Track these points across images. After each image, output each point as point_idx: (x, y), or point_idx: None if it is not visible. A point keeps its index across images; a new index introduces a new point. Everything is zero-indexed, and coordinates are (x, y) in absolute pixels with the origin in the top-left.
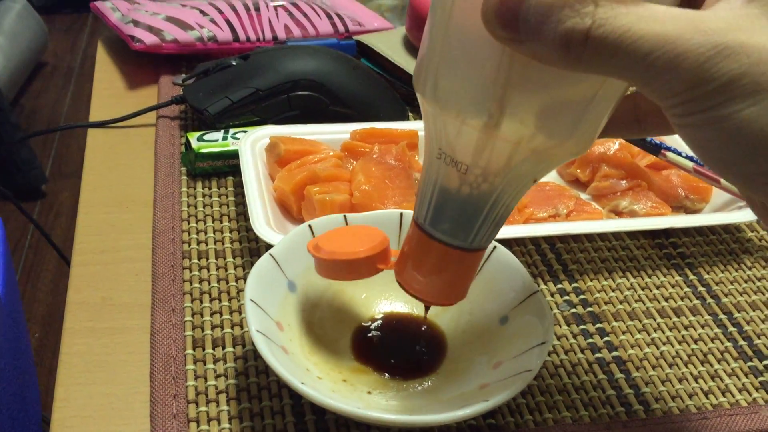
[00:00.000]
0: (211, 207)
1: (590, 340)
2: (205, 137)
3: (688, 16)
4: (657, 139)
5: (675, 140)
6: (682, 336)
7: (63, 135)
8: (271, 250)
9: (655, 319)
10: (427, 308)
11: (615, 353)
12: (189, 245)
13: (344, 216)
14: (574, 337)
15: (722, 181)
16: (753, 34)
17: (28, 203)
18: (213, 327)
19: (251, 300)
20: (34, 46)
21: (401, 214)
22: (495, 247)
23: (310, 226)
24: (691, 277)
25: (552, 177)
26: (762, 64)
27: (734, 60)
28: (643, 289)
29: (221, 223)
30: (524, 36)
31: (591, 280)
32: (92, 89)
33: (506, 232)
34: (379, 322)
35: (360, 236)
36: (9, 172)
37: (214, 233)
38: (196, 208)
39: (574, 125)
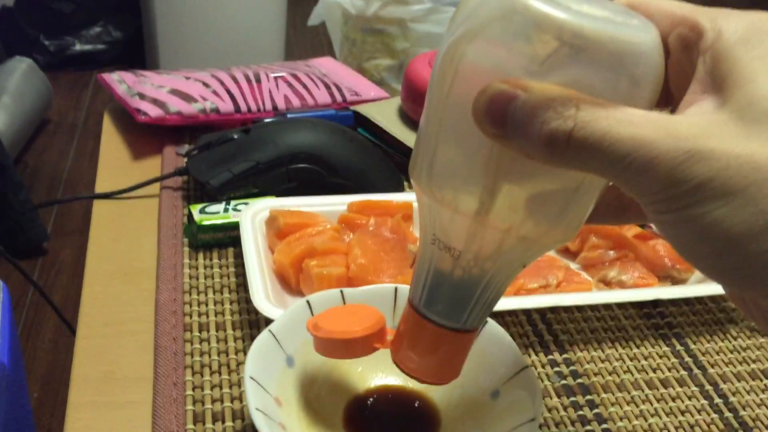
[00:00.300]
0: (212, 278)
1: (580, 413)
2: (207, 209)
3: (662, 121)
4: None
5: None
6: (670, 408)
7: (66, 192)
8: (270, 326)
9: (643, 391)
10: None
11: (604, 426)
12: (190, 317)
13: (341, 291)
14: (565, 409)
15: None
16: (721, 141)
17: (30, 260)
18: (213, 401)
19: (251, 377)
20: (39, 105)
21: (396, 289)
22: (486, 321)
23: (308, 301)
24: (678, 347)
25: None
26: (730, 168)
27: (705, 165)
28: (631, 360)
29: (222, 294)
30: (512, 133)
31: (581, 351)
32: (95, 158)
33: (499, 304)
34: (374, 396)
35: (357, 316)
36: (11, 230)
37: (214, 305)
38: (197, 279)
39: (560, 214)
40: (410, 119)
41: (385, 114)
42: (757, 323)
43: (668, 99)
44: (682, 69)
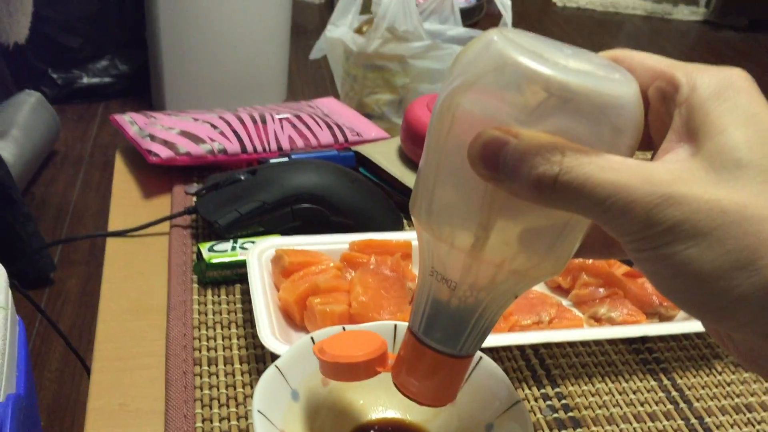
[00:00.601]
0: (221, 314)
1: None
2: (215, 247)
3: (640, 168)
4: None
5: None
6: None
7: (72, 223)
8: (276, 362)
9: (632, 424)
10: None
11: None
12: (200, 352)
13: (343, 327)
14: None
15: None
16: (693, 187)
17: (37, 290)
18: None
19: (258, 411)
20: (47, 137)
21: (395, 326)
22: (481, 357)
23: (312, 338)
24: (665, 381)
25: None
26: (700, 212)
27: (677, 208)
28: (621, 394)
29: (230, 330)
30: (503, 176)
31: (572, 385)
32: (110, 196)
33: (493, 340)
34: (375, 428)
35: (361, 341)
36: (19, 260)
37: (223, 340)
38: (206, 315)
39: (549, 249)
40: (409, 159)
41: (386, 154)
42: (733, 355)
43: (649, 145)
44: (660, 119)
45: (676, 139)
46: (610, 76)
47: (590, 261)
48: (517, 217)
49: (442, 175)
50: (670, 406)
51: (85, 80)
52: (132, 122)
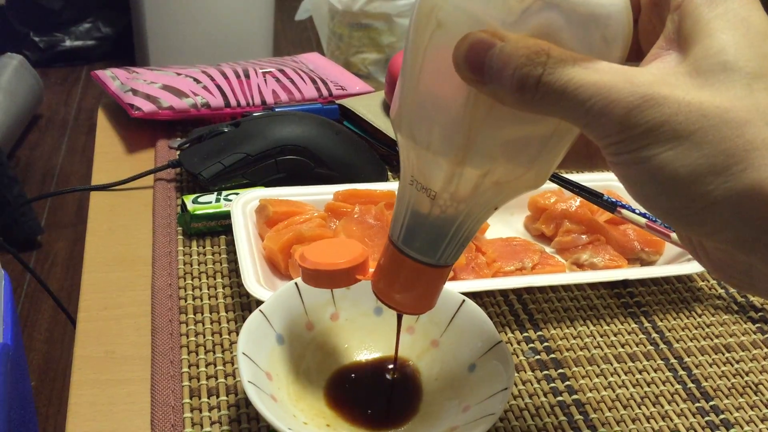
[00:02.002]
0: (206, 264)
1: (552, 385)
2: (199, 199)
3: (623, 70)
4: (613, 197)
5: (630, 199)
6: (636, 380)
7: (58, 186)
8: (260, 307)
9: (612, 364)
10: (399, 318)
11: (575, 396)
12: (185, 301)
13: None
14: (538, 382)
15: (672, 235)
16: (675, 89)
17: (24, 254)
18: (208, 377)
19: (243, 353)
20: (31, 100)
21: None
22: (464, 300)
23: (296, 284)
24: (646, 324)
25: (519, 232)
26: (680, 114)
27: (657, 110)
28: (601, 336)
29: (215, 279)
30: (488, 79)
31: (554, 329)
32: (86, 152)
33: (477, 285)
34: (360, 369)
35: (343, 249)
36: (6, 225)
37: (208, 289)
38: (191, 266)
39: (531, 161)
40: None
41: (370, 107)
42: (703, 264)
43: (638, 55)
44: (652, 26)
45: (666, 45)
46: None
47: (573, 207)
48: (500, 125)
49: (424, 80)
50: (650, 347)
51: (68, 43)
52: (114, 77)
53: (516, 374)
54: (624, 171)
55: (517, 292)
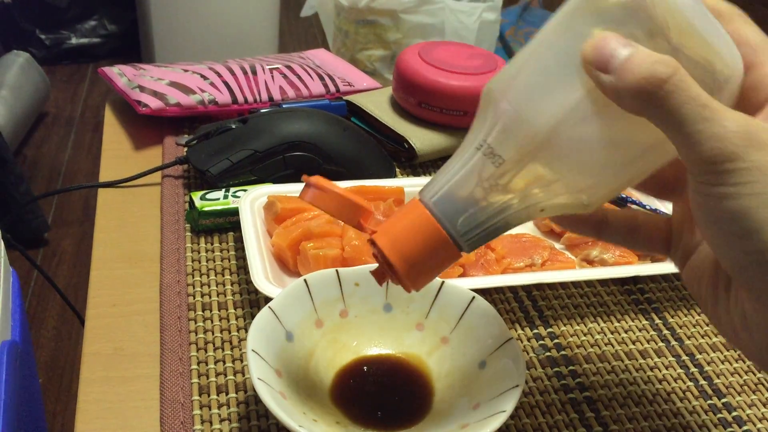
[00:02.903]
0: (214, 261)
1: (563, 382)
2: (207, 196)
3: (742, 115)
4: (624, 193)
5: (640, 195)
6: (648, 376)
7: (65, 184)
8: (270, 304)
9: (623, 361)
10: (379, 276)
11: (586, 393)
12: (194, 298)
13: (336, 270)
14: (549, 379)
15: None
16: None
17: (31, 251)
18: (217, 374)
19: (253, 350)
20: (37, 98)
21: None
22: (474, 297)
23: (305, 280)
24: (657, 321)
25: (528, 228)
26: None
27: (764, 154)
28: (612, 333)
29: (223, 276)
30: (611, 69)
31: (564, 325)
32: (93, 149)
33: (486, 281)
34: (371, 367)
35: (352, 192)
36: (12, 222)
37: (216, 286)
38: (199, 262)
39: (598, 181)
40: (401, 108)
41: (377, 103)
42: (716, 322)
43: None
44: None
45: None
46: (724, 36)
47: None
48: (600, 126)
49: (544, 59)
50: (661, 344)
51: (74, 41)
52: (121, 74)
53: (526, 371)
54: (711, 203)
55: (526, 288)
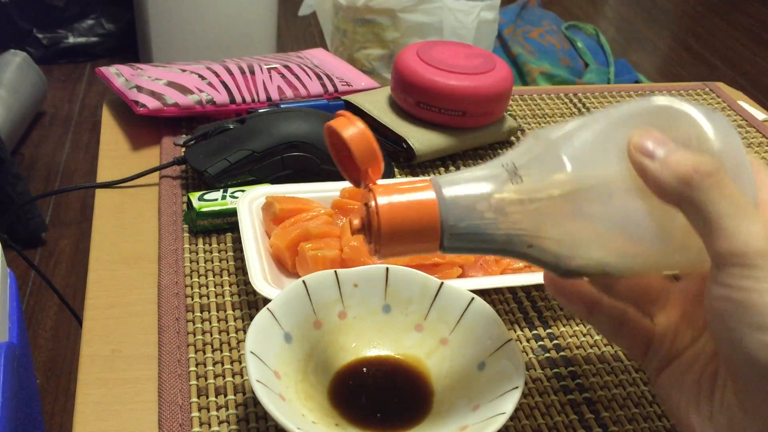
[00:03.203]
0: (212, 262)
1: (563, 383)
2: (205, 197)
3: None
4: None
5: None
6: (648, 377)
7: (62, 184)
8: (268, 305)
9: (622, 362)
10: (357, 228)
11: (585, 394)
12: (192, 299)
13: (335, 271)
14: (548, 380)
15: None
16: None
17: (29, 251)
18: (215, 376)
19: (251, 352)
20: (34, 97)
21: (387, 269)
22: (473, 298)
23: (304, 281)
24: None
25: None
26: None
27: None
28: None
29: (221, 277)
30: (657, 154)
31: (564, 326)
32: (90, 149)
33: (485, 282)
34: (370, 368)
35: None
36: (10, 222)
37: (215, 287)
38: (198, 263)
39: (590, 253)
40: (400, 108)
41: (376, 103)
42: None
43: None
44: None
45: None
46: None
47: None
48: (617, 207)
49: (598, 131)
50: None
51: (71, 40)
52: (118, 74)
53: (526, 372)
54: (736, 295)
55: (526, 289)
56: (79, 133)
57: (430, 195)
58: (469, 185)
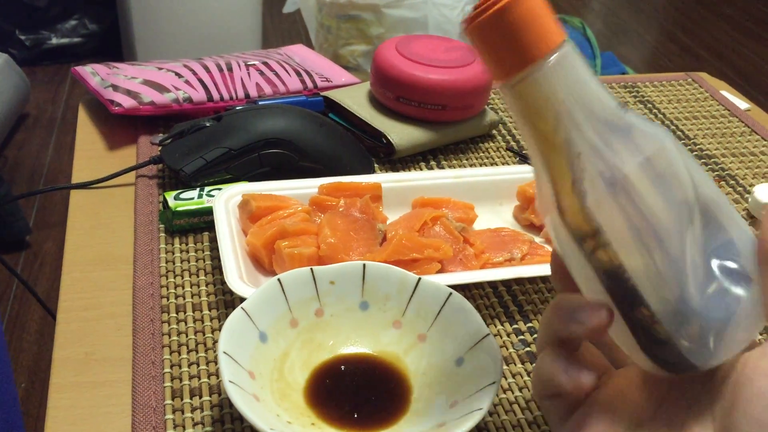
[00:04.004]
0: (188, 262)
1: None
2: (181, 195)
3: None
4: None
5: None
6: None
7: (47, 185)
8: (242, 304)
9: None
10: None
11: None
12: (167, 300)
13: (311, 269)
14: (528, 374)
15: None
16: None
17: (13, 254)
18: (191, 377)
19: (224, 352)
20: (17, 99)
21: (364, 266)
22: (451, 293)
23: (279, 280)
24: None
25: (508, 222)
26: None
27: None
28: None
29: (198, 277)
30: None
31: None
32: (74, 150)
33: (465, 277)
34: (347, 366)
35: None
36: None
37: (191, 287)
38: (174, 263)
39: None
40: (379, 103)
41: (355, 98)
42: None
43: None
44: None
45: None
46: None
47: None
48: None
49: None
50: None
51: (54, 41)
52: (94, 73)
53: (506, 367)
54: None
55: (506, 283)
56: (62, 135)
57: (563, 38)
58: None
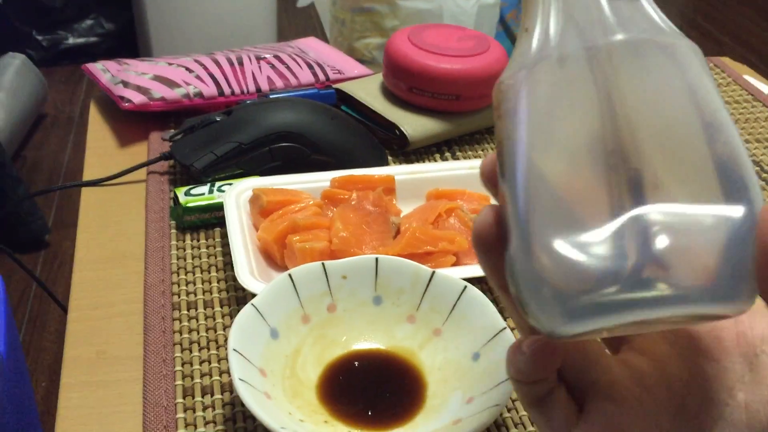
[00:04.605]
0: (200, 258)
1: None
2: (192, 191)
3: None
4: None
5: None
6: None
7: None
8: (252, 300)
9: None
10: None
11: None
12: (179, 297)
13: (322, 264)
14: None
15: None
16: None
17: (32, 254)
18: (202, 375)
19: (234, 350)
20: (35, 100)
21: (376, 259)
22: (466, 286)
23: (290, 275)
24: None
25: None
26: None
27: None
28: None
29: (209, 273)
30: None
31: None
32: (85, 148)
33: (479, 270)
34: (361, 362)
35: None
36: (12, 225)
37: (202, 284)
38: (185, 260)
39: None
40: (392, 94)
41: (368, 90)
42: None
43: None
44: None
45: None
46: None
47: None
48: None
49: None
50: None
51: (71, 41)
52: (104, 70)
53: None
54: None
55: None
56: (80, 134)
57: None
58: None
